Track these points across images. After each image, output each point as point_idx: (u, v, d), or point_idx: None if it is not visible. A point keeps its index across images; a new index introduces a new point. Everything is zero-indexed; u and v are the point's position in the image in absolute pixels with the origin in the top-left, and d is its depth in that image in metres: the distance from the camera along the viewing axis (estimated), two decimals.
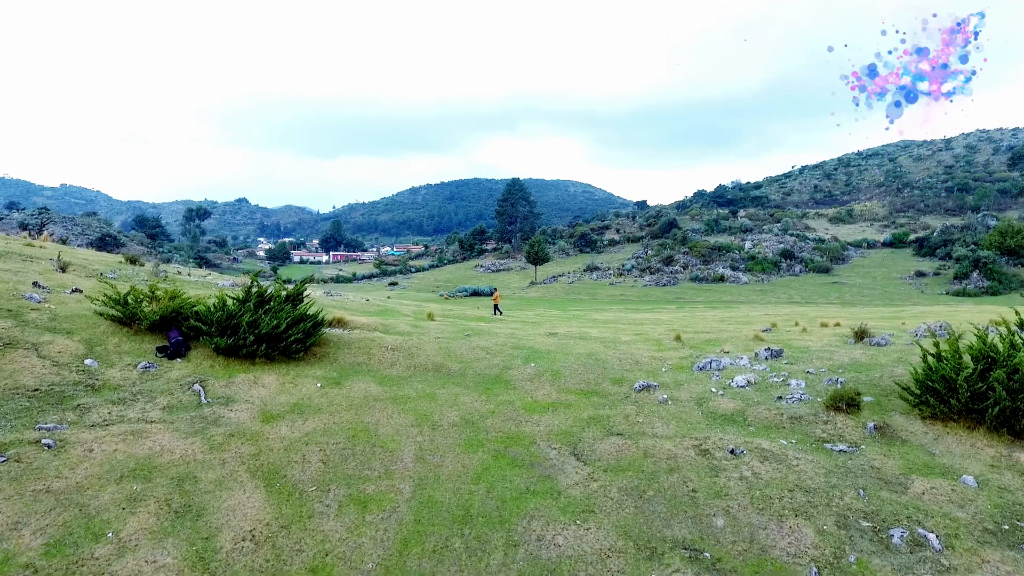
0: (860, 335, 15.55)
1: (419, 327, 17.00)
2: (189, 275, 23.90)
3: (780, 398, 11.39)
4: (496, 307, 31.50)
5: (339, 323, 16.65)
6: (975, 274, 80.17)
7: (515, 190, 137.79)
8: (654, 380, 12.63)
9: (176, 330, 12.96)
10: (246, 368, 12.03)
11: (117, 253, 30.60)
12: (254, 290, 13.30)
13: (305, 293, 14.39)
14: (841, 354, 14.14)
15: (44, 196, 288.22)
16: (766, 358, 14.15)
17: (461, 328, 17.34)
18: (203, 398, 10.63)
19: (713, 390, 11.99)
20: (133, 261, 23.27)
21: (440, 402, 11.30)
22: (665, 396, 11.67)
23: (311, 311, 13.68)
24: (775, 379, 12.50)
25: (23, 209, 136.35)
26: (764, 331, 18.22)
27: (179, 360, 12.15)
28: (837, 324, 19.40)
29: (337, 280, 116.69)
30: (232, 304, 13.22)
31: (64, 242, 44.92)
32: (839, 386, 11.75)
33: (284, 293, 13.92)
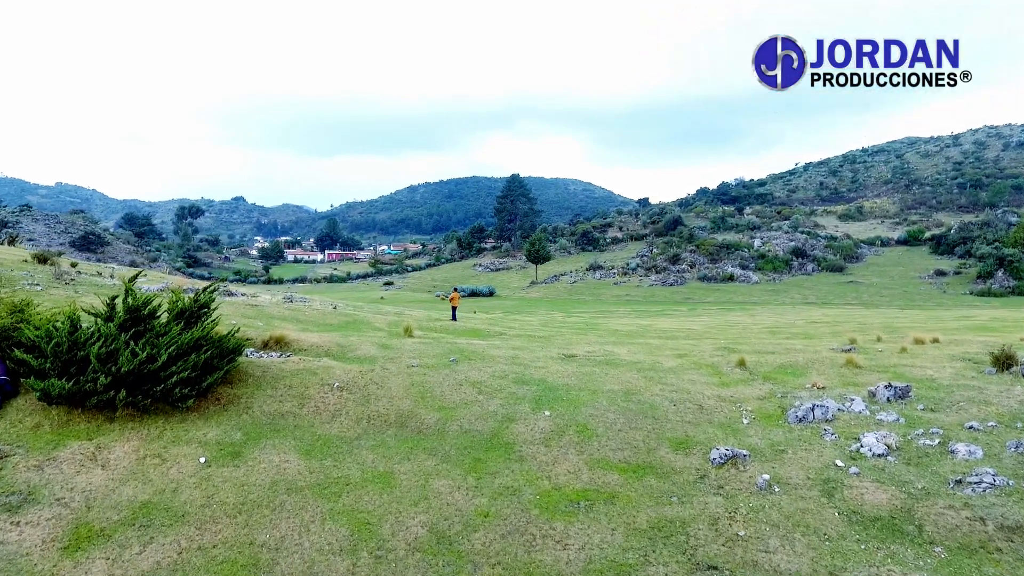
0: (1003, 362, 11.07)
1: (389, 348, 12.51)
2: (111, 276, 19.36)
3: (959, 482, 6.92)
4: (454, 311, 24.27)
5: (277, 344, 12.15)
6: (1000, 273, 75.81)
7: (515, 186, 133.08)
8: (737, 443, 8.14)
9: (2, 364, 8.49)
10: (94, 428, 7.53)
11: (42, 252, 26.05)
12: (128, 302, 8.79)
13: (213, 305, 9.87)
14: (995, 393, 9.67)
15: (39, 195, 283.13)
16: (888, 400, 9.66)
17: (446, 349, 12.87)
18: None
19: (839, 463, 7.50)
20: (43, 260, 18.76)
21: (399, 492, 6.80)
22: (766, 477, 7.19)
23: (214, 333, 9.17)
24: (925, 441, 8.02)
25: (5, 207, 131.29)
26: (846, 350, 13.78)
27: None
28: (935, 340, 15.01)
29: (331, 280, 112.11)
30: (95, 324, 8.73)
31: (13, 241, 40.29)
32: None
33: (179, 306, 9.42)
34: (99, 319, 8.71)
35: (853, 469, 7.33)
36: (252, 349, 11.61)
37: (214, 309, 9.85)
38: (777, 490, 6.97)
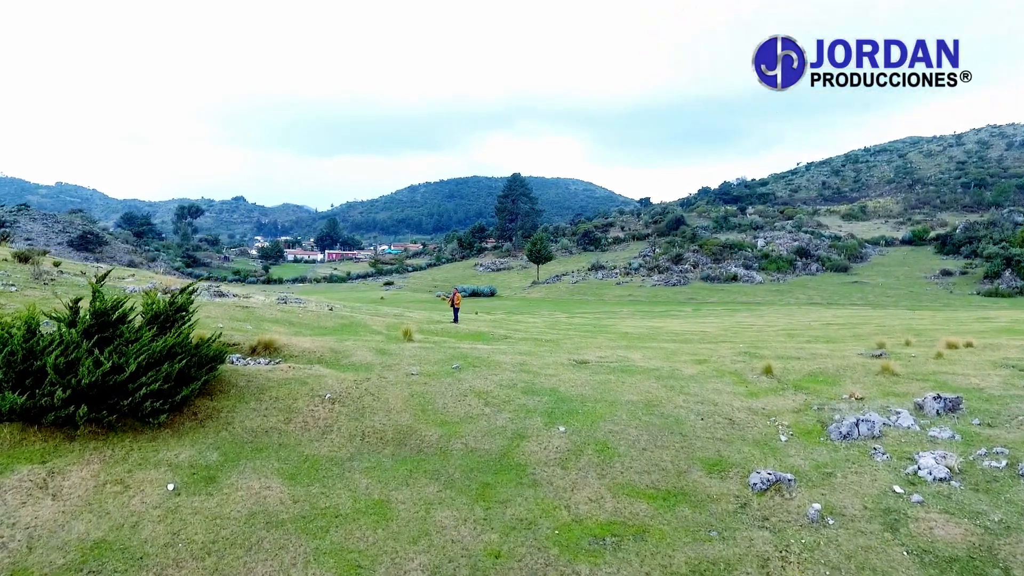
0: None
1: (387, 354, 11.60)
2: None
3: None
4: (456, 311, 22.29)
5: (266, 349, 11.25)
6: (1007, 273, 74.91)
7: (516, 185, 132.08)
8: (778, 464, 7.22)
9: None
10: (50, 449, 6.63)
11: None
12: (95, 304, 7.89)
13: (192, 307, 8.98)
14: None
15: (39, 195, 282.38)
16: (938, 413, 8.75)
17: (449, 354, 11.96)
18: None
19: (897, 489, 6.58)
20: (25, 259, 17.88)
21: (396, 526, 5.89)
22: (817, 507, 6.27)
23: (193, 338, 8.27)
24: (991, 463, 7.11)
25: (3, 206, 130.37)
26: (877, 355, 12.87)
27: None
28: (969, 344, 14.11)
29: (330, 280, 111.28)
30: (58, 329, 7.83)
31: (3, 240, 39.53)
32: None
33: (154, 309, 8.52)
34: (62, 324, 7.81)
35: (915, 497, 6.41)
36: (238, 355, 10.72)
37: (193, 312, 8.95)
38: (832, 523, 6.05)
